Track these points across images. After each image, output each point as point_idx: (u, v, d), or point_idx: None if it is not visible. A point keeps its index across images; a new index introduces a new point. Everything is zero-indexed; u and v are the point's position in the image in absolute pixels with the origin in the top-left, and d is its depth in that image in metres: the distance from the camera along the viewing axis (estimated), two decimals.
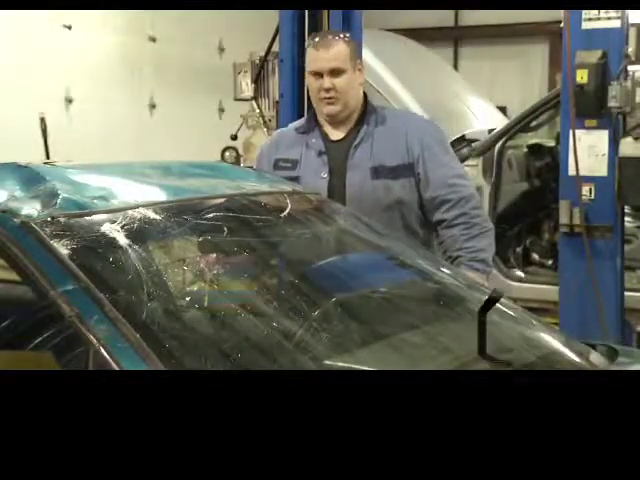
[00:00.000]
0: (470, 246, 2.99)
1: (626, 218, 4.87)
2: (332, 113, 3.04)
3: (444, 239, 3.05)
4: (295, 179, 3.01)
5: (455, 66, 10.26)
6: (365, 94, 3.15)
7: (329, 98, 3.01)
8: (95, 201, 2.05)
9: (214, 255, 2.28)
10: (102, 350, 1.66)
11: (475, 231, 3.01)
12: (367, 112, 3.09)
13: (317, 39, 3.08)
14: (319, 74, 3.01)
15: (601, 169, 4.39)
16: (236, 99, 5.86)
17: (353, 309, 2.24)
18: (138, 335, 1.70)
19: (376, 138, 3.04)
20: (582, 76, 4.29)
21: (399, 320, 2.26)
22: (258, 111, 5.57)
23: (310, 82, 3.07)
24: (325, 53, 3.00)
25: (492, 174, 5.49)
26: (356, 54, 3.09)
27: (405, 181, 3.02)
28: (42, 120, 5.85)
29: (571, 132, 4.37)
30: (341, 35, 3.10)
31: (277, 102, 5.03)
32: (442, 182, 3.01)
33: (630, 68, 4.35)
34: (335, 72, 2.99)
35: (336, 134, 3.10)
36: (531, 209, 5.73)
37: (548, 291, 5.06)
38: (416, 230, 3.08)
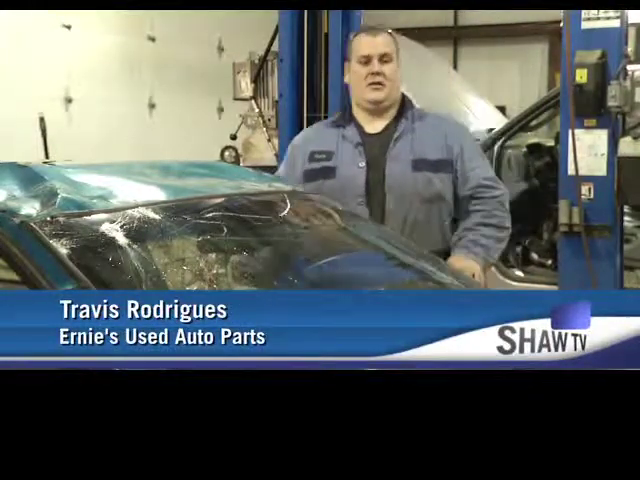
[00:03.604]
0: (478, 229, 2.98)
1: (625, 218, 4.87)
2: (378, 99, 3.05)
3: (460, 226, 3.05)
4: (331, 169, 3.04)
5: (454, 66, 10.26)
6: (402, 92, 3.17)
7: (377, 83, 3.04)
8: (94, 201, 2.05)
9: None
10: None
11: (491, 221, 3.01)
12: (405, 107, 3.12)
13: (364, 29, 3.14)
14: (368, 59, 3.04)
15: (600, 169, 4.39)
16: (235, 99, 5.86)
17: None
18: None
19: (417, 132, 3.06)
20: (581, 76, 4.30)
21: None
22: (257, 111, 5.57)
23: (356, 69, 3.08)
24: (375, 39, 3.05)
25: None
26: (398, 49, 3.13)
27: (444, 176, 3.03)
28: (41, 120, 5.87)
29: (570, 132, 4.38)
30: (384, 29, 3.15)
31: (276, 102, 5.04)
32: (478, 182, 3.04)
33: (629, 68, 4.35)
34: (384, 58, 3.03)
35: (373, 127, 3.10)
36: (530, 209, 5.72)
37: None
38: (447, 227, 3.08)
